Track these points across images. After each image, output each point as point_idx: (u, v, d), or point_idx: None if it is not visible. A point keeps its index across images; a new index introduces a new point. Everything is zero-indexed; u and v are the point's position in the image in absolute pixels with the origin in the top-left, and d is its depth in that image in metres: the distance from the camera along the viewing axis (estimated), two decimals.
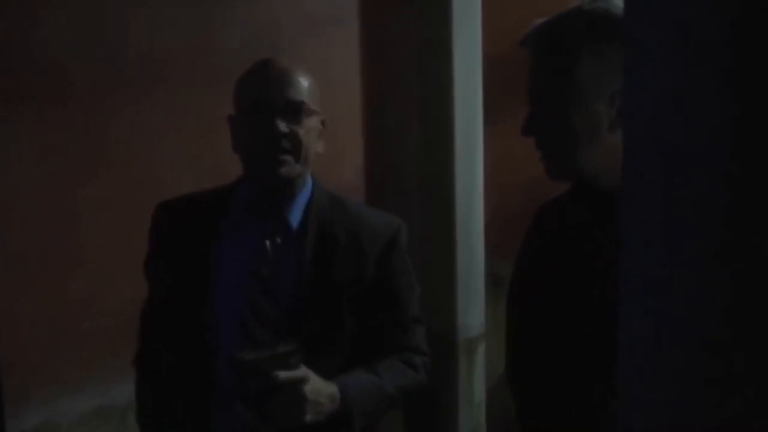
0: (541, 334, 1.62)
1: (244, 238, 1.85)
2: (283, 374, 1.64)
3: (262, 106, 1.81)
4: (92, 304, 2.44)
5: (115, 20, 2.47)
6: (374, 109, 3.15)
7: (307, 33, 2.91)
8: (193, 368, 1.82)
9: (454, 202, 3.11)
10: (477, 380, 3.27)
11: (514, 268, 1.74)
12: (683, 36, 0.80)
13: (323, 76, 2.97)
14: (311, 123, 1.85)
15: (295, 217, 1.87)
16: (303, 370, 1.68)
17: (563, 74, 1.50)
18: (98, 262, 2.43)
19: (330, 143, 3.05)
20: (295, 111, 1.82)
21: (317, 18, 2.96)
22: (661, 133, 0.81)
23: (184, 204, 1.93)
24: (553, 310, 1.60)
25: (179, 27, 2.61)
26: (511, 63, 3.46)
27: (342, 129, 3.05)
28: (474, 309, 3.23)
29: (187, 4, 2.64)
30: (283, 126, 1.79)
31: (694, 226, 0.80)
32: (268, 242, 1.84)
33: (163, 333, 1.87)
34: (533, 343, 1.65)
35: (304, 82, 1.86)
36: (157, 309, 1.90)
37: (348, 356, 1.84)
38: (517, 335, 1.71)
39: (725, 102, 0.76)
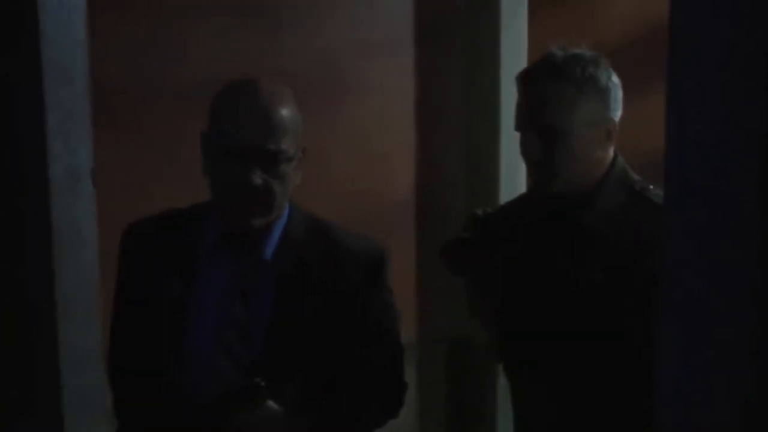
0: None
1: (217, 273, 1.72)
2: (243, 414, 1.62)
3: (236, 153, 1.63)
4: None
5: (176, 42, 2.54)
6: (426, 131, 3.30)
7: (365, 59, 3.07)
8: (166, 410, 1.70)
9: None
10: None
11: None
12: (728, 54, 0.85)
13: (380, 101, 3.15)
14: (289, 167, 1.68)
15: (270, 249, 1.73)
16: (266, 408, 1.64)
17: (568, 105, 1.84)
18: None
19: (385, 163, 3.26)
20: (273, 161, 1.65)
21: (374, 45, 3.11)
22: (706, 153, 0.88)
23: (154, 229, 1.79)
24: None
25: (240, 49, 2.71)
26: None
27: (396, 150, 3.21)
28: None
29: (248, 26, 2.75)
30: (257, 178, 1.63)
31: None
32: (242, 280, 1.72)
33: (136, 371, 1.75)
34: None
35: (284, 121, 1.66)
36: (127, 343, 1.78)
37: (322, 387, 1.74)
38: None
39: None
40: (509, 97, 3.21)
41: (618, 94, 1.91)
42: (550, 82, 1.85)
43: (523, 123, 1.90)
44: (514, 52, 3.23)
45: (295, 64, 2.88)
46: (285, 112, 1.67)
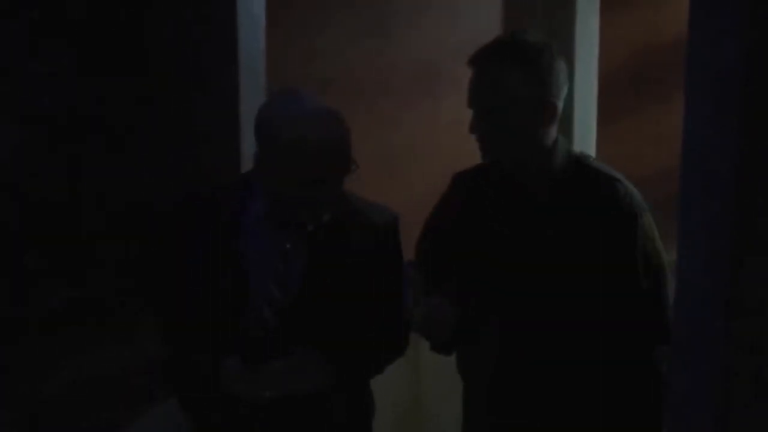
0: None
1: (259, 241, 1.98)
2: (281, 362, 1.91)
3: (292, 179, 1.86)
4: None
5: (305, 45, 2.92)
6: None
7: (459, 56, 3.45)
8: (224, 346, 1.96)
9: None
10: None
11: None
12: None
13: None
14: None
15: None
16: (299, 353, 1.93)
17: (504, 86, 1.93)
18: None
19: (477, 145, 3.64)
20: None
21: (466, 44, 3.46)
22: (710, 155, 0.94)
23: (205, 202, 2.03)
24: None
25: (357, 50, 3.12)
26: (619, 79, 3.99)
27: None
28: None
29: (363, 30, 3.15)
30: (308, 198, 1.89)
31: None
32: (281, 243, 1.97)
33: (199, 316, 1.99)
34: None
35: (337, 152, 1.87)
36: (187, 291, 2.01)
37: (342, 336, 1.99)
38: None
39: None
40: (583, 87, 3.64)
41: (561, 78, 1.96)
42: (491, 65, 1.96)
43: (468, 102, 2.02)
44: (587, 50, 3.60)
45: (401, 63, 3.31)
46: (338, 136, 1.88)
